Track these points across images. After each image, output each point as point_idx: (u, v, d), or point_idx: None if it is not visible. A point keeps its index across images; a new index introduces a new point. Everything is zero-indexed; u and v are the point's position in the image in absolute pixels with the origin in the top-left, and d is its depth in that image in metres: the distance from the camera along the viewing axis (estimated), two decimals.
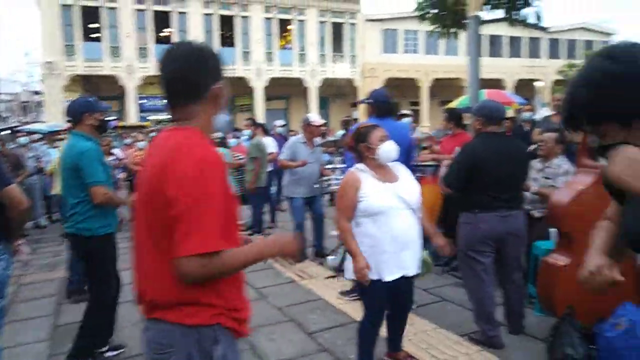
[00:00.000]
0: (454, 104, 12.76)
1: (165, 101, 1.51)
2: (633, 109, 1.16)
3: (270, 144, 8.17)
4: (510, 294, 3.53)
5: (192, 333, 1.37)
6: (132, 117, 23.69)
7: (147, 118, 23.16)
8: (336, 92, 29.51)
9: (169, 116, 1.52)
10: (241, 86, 25.83)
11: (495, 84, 27.60)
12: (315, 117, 5.94)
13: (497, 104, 3.61)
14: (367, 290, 2.79)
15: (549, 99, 29.33)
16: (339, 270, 4.94)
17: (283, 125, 10.22)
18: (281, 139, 9.65)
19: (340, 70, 30.30)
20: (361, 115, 15.32)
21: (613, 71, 1.17)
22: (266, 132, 8.65)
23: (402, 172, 2.97)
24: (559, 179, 4.03)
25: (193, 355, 1.37)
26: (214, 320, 1.38)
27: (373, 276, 2.72)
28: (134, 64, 24.21)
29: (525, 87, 30.68)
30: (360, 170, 2.82)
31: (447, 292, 4.52)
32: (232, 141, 9.46)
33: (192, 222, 1.28)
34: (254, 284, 4.84)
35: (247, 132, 8.73)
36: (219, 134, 7.64)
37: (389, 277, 2.74)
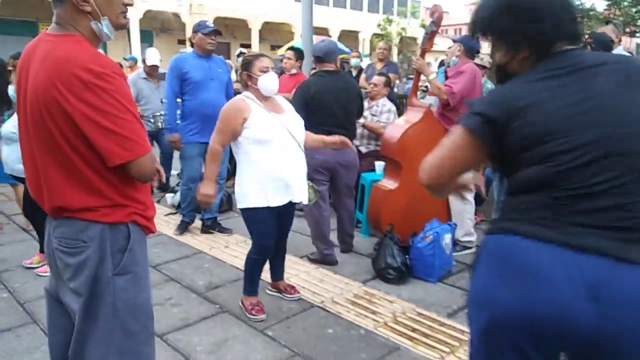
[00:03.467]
0: (285, 48, 12.96)
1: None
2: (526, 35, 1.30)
3: None
4: (343, 217, 3.98)
5: (108, 229, 1.44)
6: None
7: None
8: (161, 26, 27.62)
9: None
10: None
11: (322, 32, 28.65)
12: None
13: (331, 43, 3.86)
14: (256, 218, 2.79)
15: (369, 50, 31.50)
16: (177, 207, 4.93)
17: None
18: None
19: (164, 2, 28.18)
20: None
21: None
22: None
23: (287, 105, 2.97)
24: (383, 116, 4.64)
25: (106, 249, 1.44)
26: (129, 218, 1.47)
27: (261, 203, 2.73)
28: None
29: (347, 37, 32.49)
30: (248, 98, 2.77)
31: None
32: None
33: (123, 131, 1.33)
34: None
35: None
36: None
37: (276, 203, 2.76)
